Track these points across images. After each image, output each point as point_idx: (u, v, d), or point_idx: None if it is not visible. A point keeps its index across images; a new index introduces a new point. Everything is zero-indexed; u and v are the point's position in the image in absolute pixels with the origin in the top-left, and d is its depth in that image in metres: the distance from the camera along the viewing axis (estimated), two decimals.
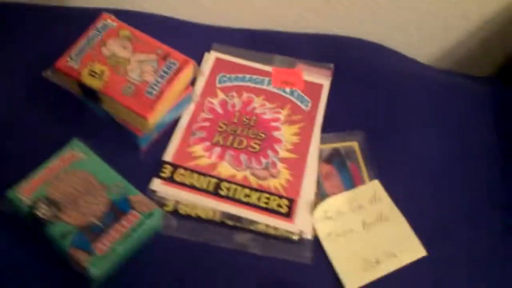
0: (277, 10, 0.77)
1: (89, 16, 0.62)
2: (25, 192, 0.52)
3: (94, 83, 0.56)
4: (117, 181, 0.54)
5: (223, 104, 0.66)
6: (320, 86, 0.69)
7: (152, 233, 0.54)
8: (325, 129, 0.65)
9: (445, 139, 0.66)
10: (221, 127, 0.63)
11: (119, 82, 0.56)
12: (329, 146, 0.64)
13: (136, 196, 0.54)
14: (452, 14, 0.75)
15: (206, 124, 0.64)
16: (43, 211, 0.51)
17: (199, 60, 0.69)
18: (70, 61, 0.57)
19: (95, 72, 0.57)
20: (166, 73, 0.58)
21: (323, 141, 0.64)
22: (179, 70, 0.59)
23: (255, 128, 0.64)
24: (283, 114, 0.66)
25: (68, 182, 0.53)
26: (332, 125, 0.65)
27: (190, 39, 0.71)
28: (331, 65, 0.71)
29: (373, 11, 0.76)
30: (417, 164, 0.64)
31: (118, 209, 0.52)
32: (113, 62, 0.57)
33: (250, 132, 0.63)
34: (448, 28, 0.78)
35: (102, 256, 0.49)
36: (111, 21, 0.61)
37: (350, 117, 0.67)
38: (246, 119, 0.65)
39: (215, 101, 0.66)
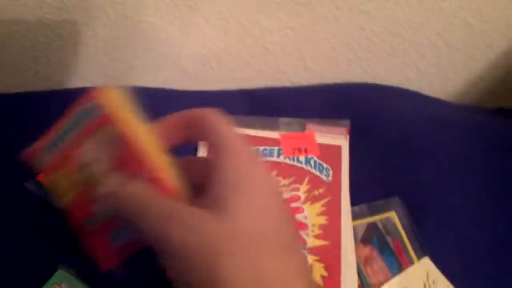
0: (275, 64, 0.66)
1: None
2: None
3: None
4: None
5: None
6: (338, 148, 0.59)
7: None
8: (354, 201, 0.54)
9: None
10: None
11: (82, 210, 0.37)
12: (363, 222, 0.54)
13: None
14: (474, 45, 0.65)
15: None
16: None
17: None
18: (43, 154, 0.38)
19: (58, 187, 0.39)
20: None
21: (355, 216, 0.54)
22: None
23: None
24: (302, 191, 0.55)
25: None
26: (361, 194, 0.55)
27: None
28: (347, 121, 0.61)
29: (385, 52, 0.65)
30: (469, 230, 0.54)
31: None
32: (85, 174, 0.37)
33: None
34: (470, 61, 0.68)
35: None
36: (96, 102, 0.36)
37: (379, 181, 0.56)
38: None
39: None
